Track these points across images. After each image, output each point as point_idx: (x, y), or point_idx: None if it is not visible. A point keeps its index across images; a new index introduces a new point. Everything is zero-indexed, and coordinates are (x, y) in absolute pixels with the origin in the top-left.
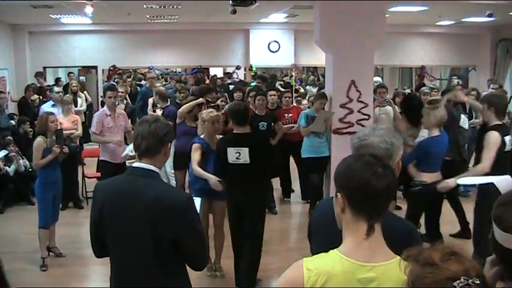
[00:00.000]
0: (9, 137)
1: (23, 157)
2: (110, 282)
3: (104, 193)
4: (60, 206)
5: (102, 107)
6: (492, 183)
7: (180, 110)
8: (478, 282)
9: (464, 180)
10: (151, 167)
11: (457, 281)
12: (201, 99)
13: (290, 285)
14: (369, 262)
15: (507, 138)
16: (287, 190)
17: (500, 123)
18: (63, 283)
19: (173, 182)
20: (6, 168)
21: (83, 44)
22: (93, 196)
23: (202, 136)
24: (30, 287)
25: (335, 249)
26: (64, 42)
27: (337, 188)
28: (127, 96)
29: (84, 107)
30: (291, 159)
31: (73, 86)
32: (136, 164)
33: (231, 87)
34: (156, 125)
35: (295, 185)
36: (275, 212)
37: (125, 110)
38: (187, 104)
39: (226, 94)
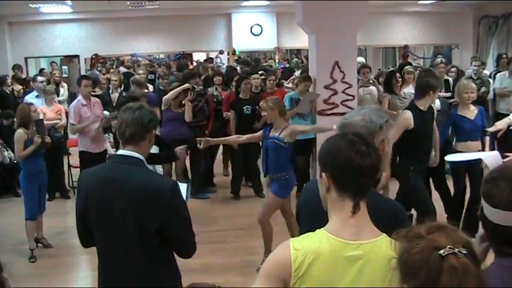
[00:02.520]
0: None
1: (7, 149)
2: (98, 271)
3: (88, 182)
4: (47, 196)
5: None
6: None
7: (165, 96)
8: (464, 252)
9: (451, 157)
10: (136, 154)
11: (443, 250)
12: (187, 85)
13: (277, 265)
14: (356, 240)
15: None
16: None
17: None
18: (52, 274)
19: (160, 170)
20: None
21: (64, 33)
22: (77, 186)
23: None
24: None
25: (321, 229)
26: (45, 31)
27: (322, 167)
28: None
29: (65, 97)
30: None
31: (56, 77)
32: (120, 152)
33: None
34: (140, 112)
35: None
36: (263, 196)
37: (118, 99)
38: (174, 91)
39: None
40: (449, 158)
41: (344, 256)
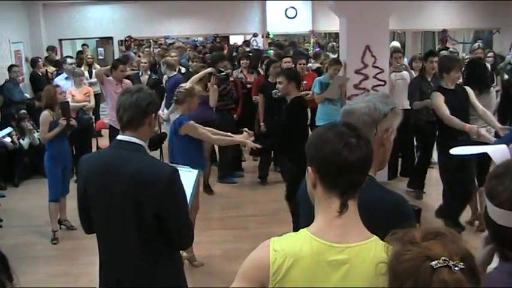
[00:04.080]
0: (23, 111)
1: (38, 130)
2: (99, 257)
3: (88, 168)
4: (74, 178)
5: None
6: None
7: (189, 81)
8: (461, 266)
9: (457, 150)
10: (134, 140)
11: (436, 261)
12: (210, 69)
13: (255, 267)
14: (341, 243)
15: None
16: None
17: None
18: (74, 256)
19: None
20: (20, 141)
21: (97, 15)
22: (77, 171)
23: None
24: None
25: (305, 228)
26: (78, 13)
27: (308, 160)
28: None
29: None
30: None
31: (88, 58)
32: (119, 137)
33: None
34: (138, 95)
35: None
36: None
37: (147, 82)
38: (197, 75)
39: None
40: (454, 151)
41: (327, 260)
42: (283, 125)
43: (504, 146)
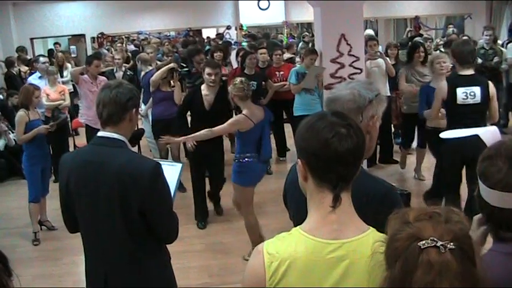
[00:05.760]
0: None
1: (13, 131)
2: (85, 257)
3: (69, 166)
4: (53, 178)
5: None
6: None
7: (152, 78)
8: (451, 246)
9: (447, 133)
10: (116, 135)
11: (423, 241)
12: (171, 64)
13: (252, 274)
14: (337, 239)
15: (460, 91)
16: (282, 149)
17: (461, 73)
18: (56, 257)
19: (156, 154)
20: None
21: (69, 12)
22: (59, 170)
23: None
24: None
25: (297, 227)
26: (49, 11)
27: (298, 152)
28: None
29: (69, 77)
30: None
31: (58, 58)
32: (100, 133)
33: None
34: (117, 90)
35: (291, 144)
36: (270, 172)
37: (122, 78)
38: (159, 72)
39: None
40: (444, 134)
41: (324, 258)
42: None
43: (495, 127)
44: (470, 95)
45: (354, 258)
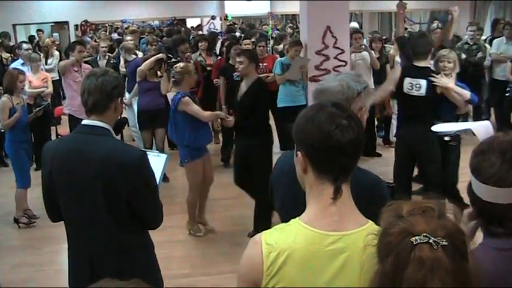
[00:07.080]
0: None
1: None
2: (68, 246)
3: (52, 154)
4: (35, 166)
5: None
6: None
7: (139, 68)
8: (444, 243)
9: (439, 127)
10: (101, 124)
11: (416, 237)
12: (160, 55)
13: (249, 264)
14: (337, 231)
15: (407, 81)
16: None
17: (414, 64)
18: (37, 245)
19: (140, 143)
20: None
21: None
22: (42, 159)
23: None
24: None
25: (297, 218)
26: None
27: (296, 144)
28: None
29: (53, 65)
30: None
31: (45, 44)
32: (85, 122)
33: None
34: (103, 78)
35: (274, 135)
36: None
37: (106, 66)
38: (147, 62)
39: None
40: (436, 128)
41: (324, 250)
42: (246, 107)
43: (487, 122)
44: (416, 86)
45: (353, 251)
